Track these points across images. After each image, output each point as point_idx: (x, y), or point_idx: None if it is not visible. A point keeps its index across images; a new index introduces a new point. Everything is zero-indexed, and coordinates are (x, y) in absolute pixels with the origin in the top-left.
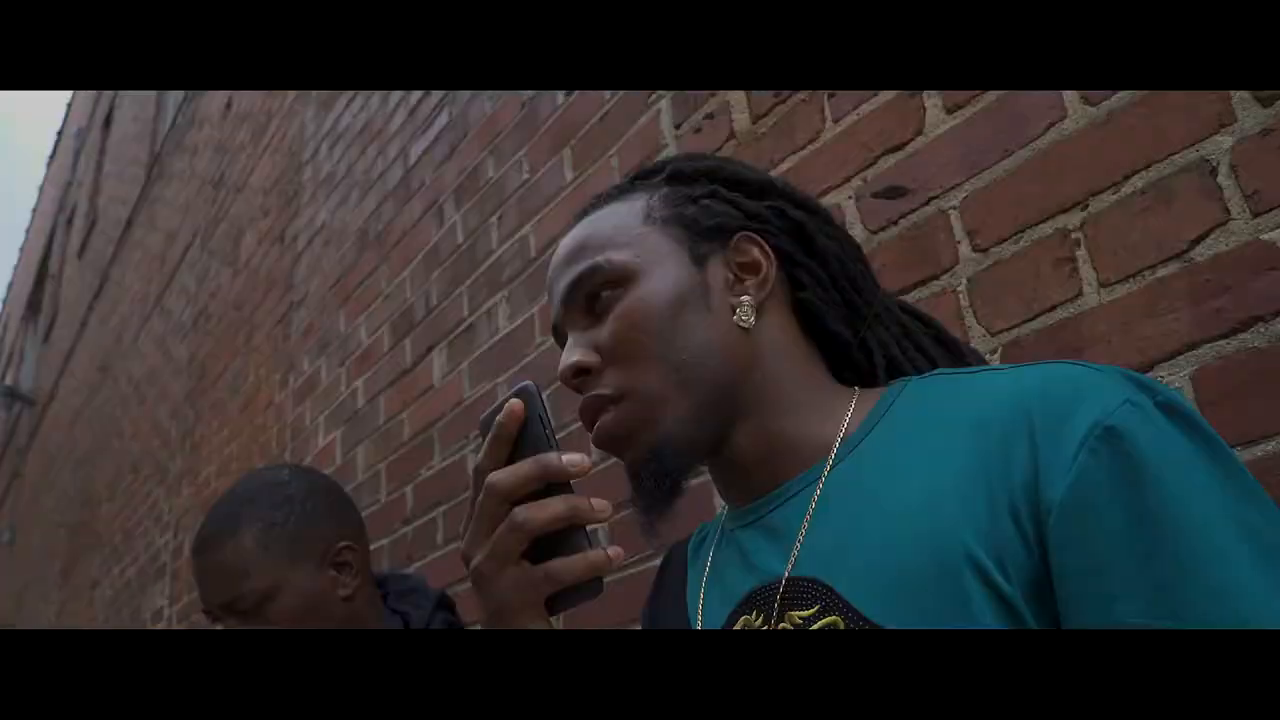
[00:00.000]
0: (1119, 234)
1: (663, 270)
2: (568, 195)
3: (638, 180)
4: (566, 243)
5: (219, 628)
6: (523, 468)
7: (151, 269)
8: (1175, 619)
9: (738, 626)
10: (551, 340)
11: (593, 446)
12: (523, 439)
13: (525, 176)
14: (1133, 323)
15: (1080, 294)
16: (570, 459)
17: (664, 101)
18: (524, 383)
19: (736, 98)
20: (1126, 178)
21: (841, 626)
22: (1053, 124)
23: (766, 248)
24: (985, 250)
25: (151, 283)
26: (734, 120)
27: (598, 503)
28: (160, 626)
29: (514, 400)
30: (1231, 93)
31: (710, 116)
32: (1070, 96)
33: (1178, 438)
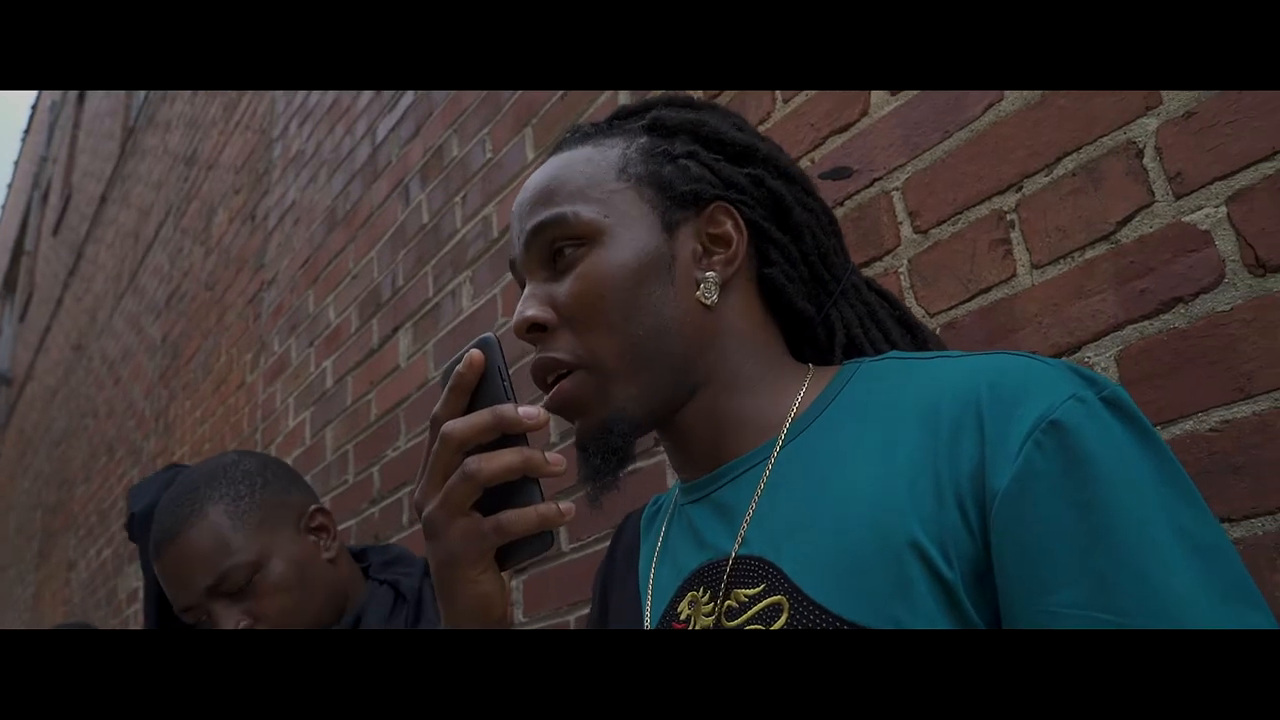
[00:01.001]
0: (1051, 215)
1: (631, 235)
2: (529, 174)
3: (616, 121)
4: (535, 181)
5: (199, 627)
6: (478, 417)
7: (125, 246)
8: (1109, 610)
9: (684, 602)
10: (511, 322)
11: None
12: (481, 390)
13: (488, 156)
14: (1062, 304)
15: (1014, 275)
16: (526, 411)
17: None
18: (485, 335)
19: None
20: (1059, 159)
21: (785, 606)
22: (991, 105)
23: (740, 221)
24: (925, 232)
25: (125, 260)
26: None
27: (552, 456)
28: (136, 608)
29: (473, 350)
30: None
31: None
32: None
33: (1120, 434)
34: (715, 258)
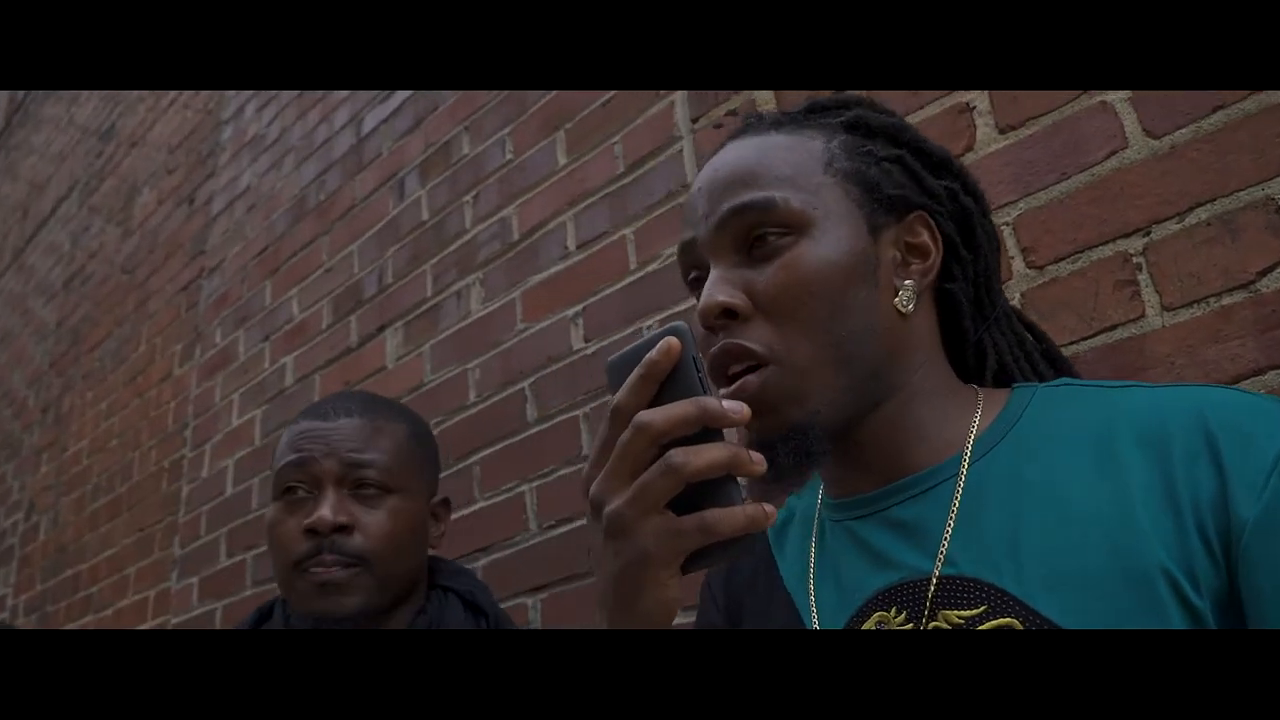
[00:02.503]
0: (1183, 261)
1: (839, 232)
2: (559, 180)
3: (811, 115)
4: (731, 160)
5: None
6: (679, 409)
7: (10, 221)
8: None
9: (870, 622)
10: (533, 328)
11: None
12: (672, 380)
13: (508, 157)
14: (1198, 346)
15: (1143, 315)
16: (731, 405)
17: (679, 92)
18: (677, 323)
19: (764, 95)
20: (1190, 209)
21: (1019, 628)
22: (1113, 152)
23: (937, 233)
24: (1041, 268)
25: (9, 236)
26: None
27: (755, 455)
28: (2, 617)
29: (670, 337)
30: None
31: (733, 113)
32: (1131, 127)
33: None
34: (912, 267)
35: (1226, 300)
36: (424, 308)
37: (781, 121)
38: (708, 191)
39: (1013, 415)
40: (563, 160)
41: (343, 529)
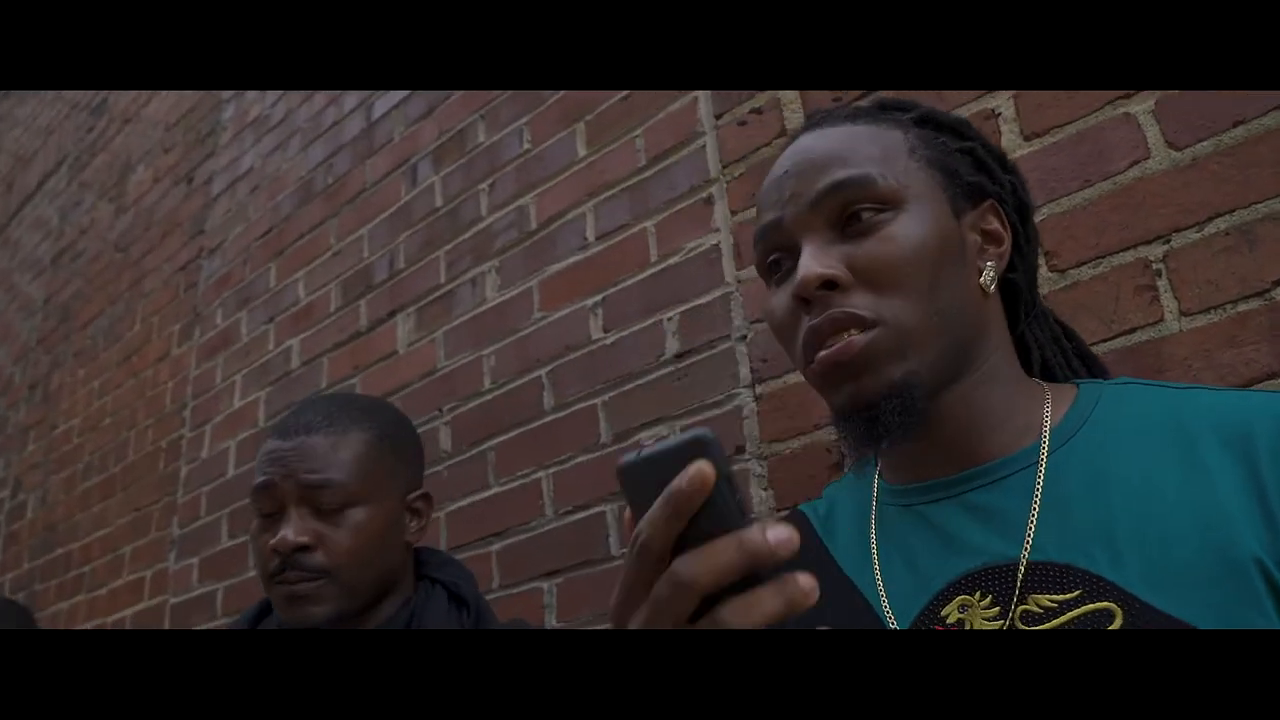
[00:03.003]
0: (1201, 269)
1: (931, 211)
2: (579, 171)
3: (882, 111)
4: (816, 146)
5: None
6: (721, 557)
7: None
8: None
9: (952, 606)
10: (551, 317)
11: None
12: (705, 507)
13: (526, 147)
14: (1214, 350)
15: (1161, 319)
16: (777, 536)
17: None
18: (701, 432)
19: (788, 94)
20: (1210, 219)
21: (1118, 612)
22: (1136, 161)
23: (1006, 223)
24: (1063, 271)
25: None
26: (785, 119)
27: (806, 582)
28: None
29: (702, 464)
30: None
31: (758, 111)
32: (1154, 138)
33: None
34: (990, 250)
35: (1243, 307)
36: (437, 294)
37: (856, 115)
38: (797, 173)
39: (1085, 409)
40: (582, 152)
41: (304, 549)
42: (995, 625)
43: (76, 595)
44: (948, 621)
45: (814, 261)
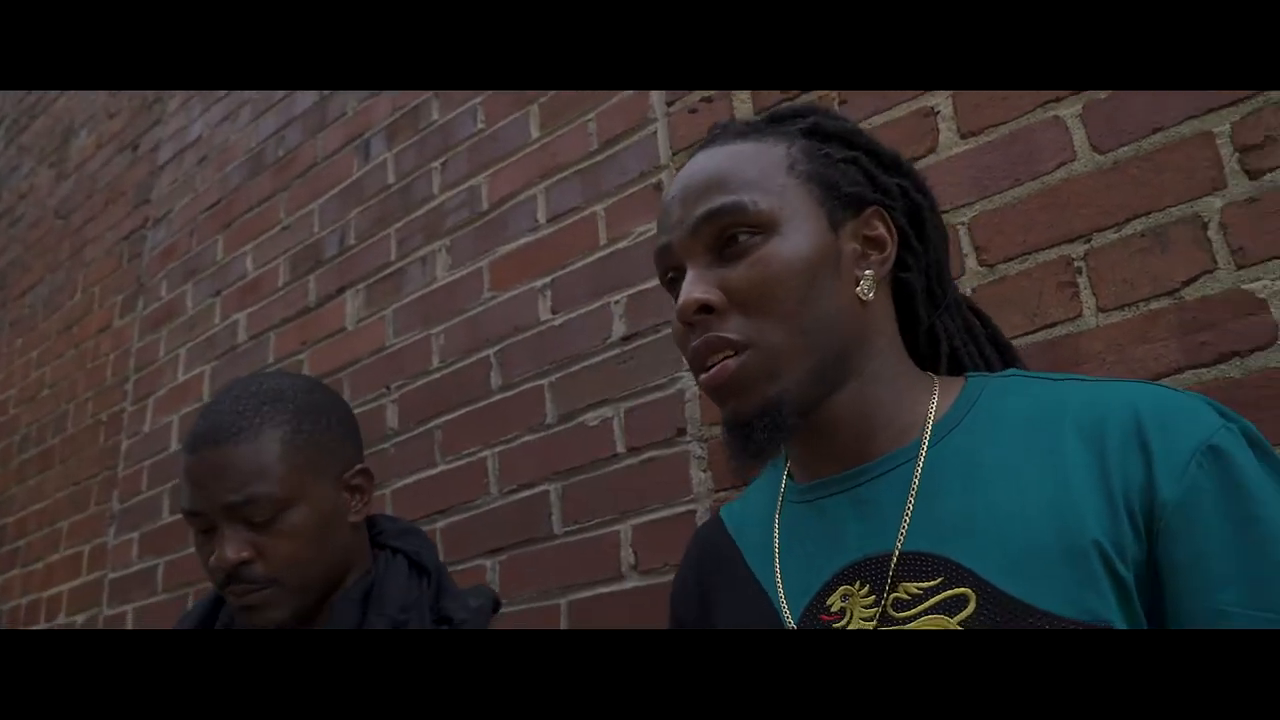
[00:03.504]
0: (1118, 268)
1: (804, 228)
2: (532, 153)
3: (772, 124)
4: (700, 169)
5: (202, 535)
6: None
7: None
8: (1267, 608)
9: (836, 595)
10: (501, 297)
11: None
12: None
13: (480, 127)
14: (1126, 345)
15: (1080, 315)
16: None
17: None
18: None
19: (740, 95)
20: (1128, 220)
21: (971, 597)
22: (1063, 163)
23: (892, 226)
24: (991, 266)
25: None
26: (735, 108)
27: None
28: None
29: None
30: (1224, 162)
31: (708, 100)
32: (1080, 141)
33: (1259, 461)
34: (872, 258)
35: (1155, 305)
36: (387, 271)
37: (746, 131)
38: (681, 199)
39: (968, 401)
40: (535, 134)
41: (244, 563)
42: (872, 612)
43: (12, 570)
44: (832, 610)
45: (692, 287)
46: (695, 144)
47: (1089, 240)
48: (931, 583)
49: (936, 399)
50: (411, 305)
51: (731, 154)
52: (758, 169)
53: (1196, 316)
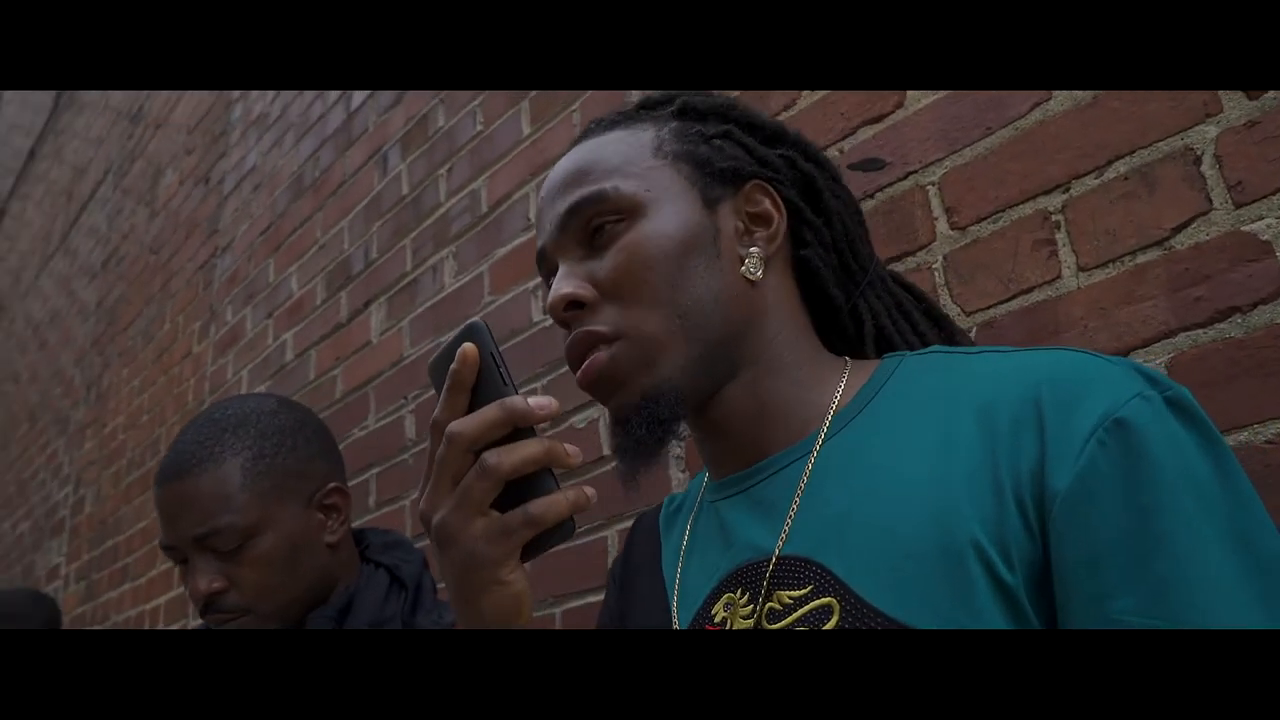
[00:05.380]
0: (1100, 218)
1: (673, 208)
2: (524, 150)
3: (643, 110)
4: (565, 165)
5: (178, 567)
6: (487, 414)
7: (56, 205)
8: (1166, 619)
9: (720, 604)
10: (500, 300)
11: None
12: (479, 384)
13: (479, 128)
14: (1110, 308)
15: (1059, 276)
16: (538, 401)
17: None
18: (471, 320)
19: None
20: (1110, 162)
21: (836, 608)
22: (1037, 104)
23: (778, 199)
24: (963, 228)
25: (56, 220)
26: None
27: (570, 447)
28: (56, 585)
29: (467, 344)
30: None
31: None
32: None
33: (1184, 436)
34: (757, 234)
35: (1141, 259)
36: (404, 282)
37: (616, 121)
38: (548, 198)
39: (874, 388)
40: (527, 130)
41: (217, 593)
42: (749, 624)
43: (123, 585)
44: (715, 620)
45: (559, 283)
46: None
47: (1067, 189)
48: (802, 591)
49: (844, 385)
50: (424, 315)
51: (597, 145)
52: (621, 155)
53: (1189, 268)
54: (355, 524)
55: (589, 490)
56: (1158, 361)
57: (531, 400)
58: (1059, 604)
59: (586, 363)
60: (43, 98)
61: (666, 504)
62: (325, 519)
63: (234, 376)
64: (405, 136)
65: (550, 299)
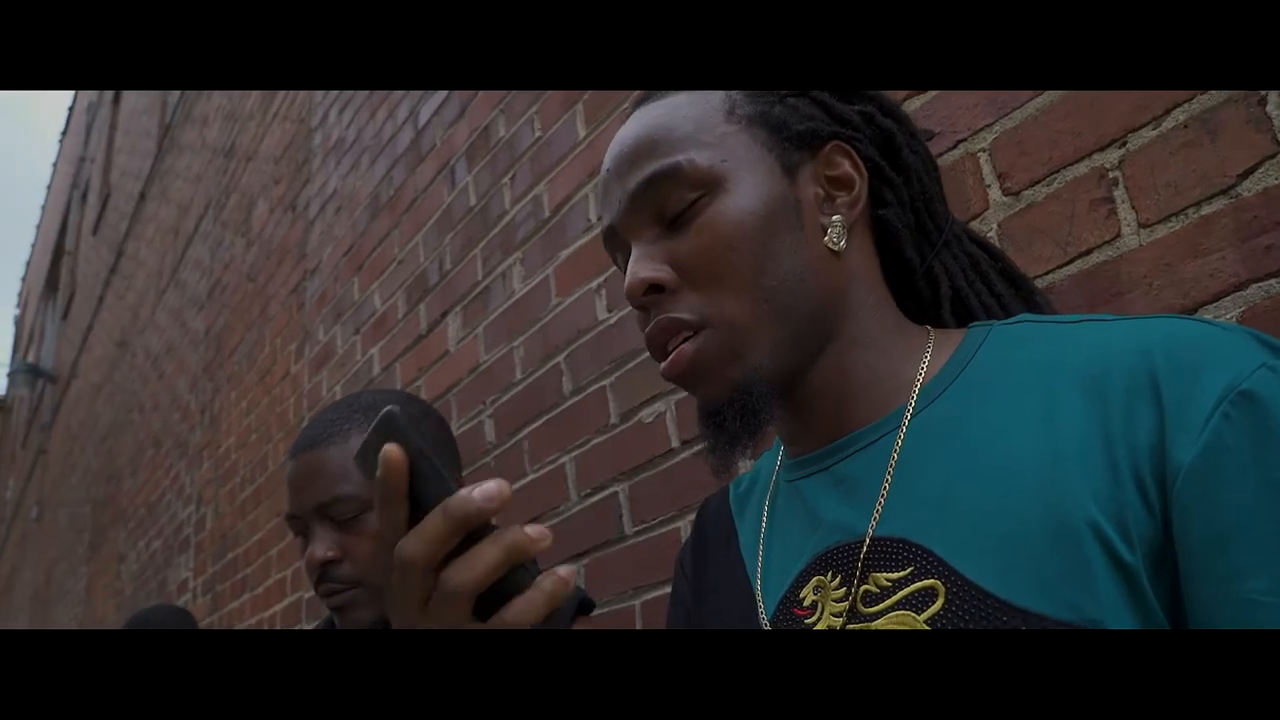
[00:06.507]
0: (1159, 171)
1: (753, 180)
2: (580, 153)
3: None
4: (631, 133)
5: (304, 536)
6: (433, 527)
7: (165, 242)
8: None
9: (809, 587)
10: (565, 302)
11: (658, 379)
12: (414, 486)
13: (537, 135)
14: (1175, 264)
15: (1119, 235)
16: (484, 493)
17: None
18: (385, 411)
19: None
20: (1168, 111)
21: (940, 590)
22: None
23: (859, 161)
24: (1016, 194)
25: (166, 256)
26: None
27: (534, 530)
28: (186, 598)
29: (389, 448)
30: None
31: None
32: None
33: None
34: (838, 200)
35: (1206, 210)
36: (476, 291)
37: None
38: (615, 170)
39: (963, 358)
40: (582, 132)
41: (331, 562)
42: (841, 607)
43: (243, 594)
44: (805, 604)
45: (637, 266)
46: None
47: (1123, 143)
48: (902, 573)
49: (930, 357)
50: (497, 321)
51: (666, 110)
52: (692, 122)
53: (1258, 216)
54: None
55: (565, 571)
56: (1228, 316)
57: (476, 492)
58: (1185, 583)
59: (673, 355)
60: (148, 143)
61: (734, 486)
62: None
63: (329, 392)
64: (470, 149)
65: (629, 282)
